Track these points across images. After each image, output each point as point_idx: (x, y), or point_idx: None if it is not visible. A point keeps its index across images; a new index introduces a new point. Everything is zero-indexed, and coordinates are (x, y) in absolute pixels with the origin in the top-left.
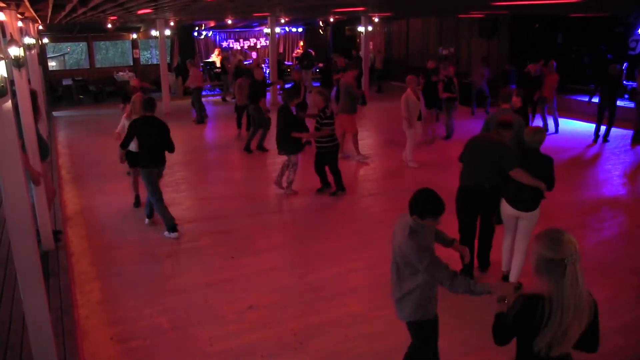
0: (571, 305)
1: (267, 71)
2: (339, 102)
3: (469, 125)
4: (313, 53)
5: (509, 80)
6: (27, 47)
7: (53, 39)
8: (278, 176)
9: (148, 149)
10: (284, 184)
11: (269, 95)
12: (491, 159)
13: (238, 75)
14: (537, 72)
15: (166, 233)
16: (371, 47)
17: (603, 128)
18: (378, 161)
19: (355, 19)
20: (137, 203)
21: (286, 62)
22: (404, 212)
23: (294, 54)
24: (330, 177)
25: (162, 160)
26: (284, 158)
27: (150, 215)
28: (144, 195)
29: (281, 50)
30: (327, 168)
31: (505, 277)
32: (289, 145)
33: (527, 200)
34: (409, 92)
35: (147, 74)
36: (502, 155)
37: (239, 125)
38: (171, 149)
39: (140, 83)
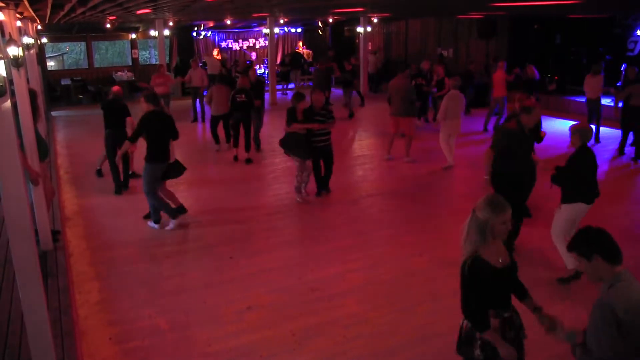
0: None
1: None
2: (392, 105)
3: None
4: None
5: (473, 81)
6: (26, 47)
7: (52, 39)
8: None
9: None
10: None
11: (267, 96)
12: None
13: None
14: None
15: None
16: (370, 47)
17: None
18: (377, 161)
19: (355, 20)
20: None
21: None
22: (402, 213)
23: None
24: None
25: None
26: (282, 159)
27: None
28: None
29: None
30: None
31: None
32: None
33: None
34: (456, 93)
35: (146, 74)
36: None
37: (216, 140)
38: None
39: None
